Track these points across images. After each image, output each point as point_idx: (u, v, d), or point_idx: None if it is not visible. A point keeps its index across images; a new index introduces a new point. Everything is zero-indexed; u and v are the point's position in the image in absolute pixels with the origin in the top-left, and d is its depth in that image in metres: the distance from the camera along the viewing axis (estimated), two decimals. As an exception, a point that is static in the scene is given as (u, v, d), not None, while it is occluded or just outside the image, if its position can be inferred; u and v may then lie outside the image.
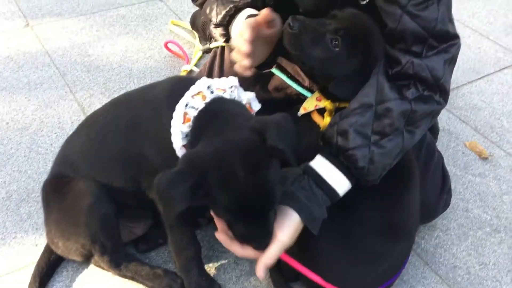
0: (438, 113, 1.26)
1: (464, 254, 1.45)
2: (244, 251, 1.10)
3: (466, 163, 1.73)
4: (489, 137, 1.85)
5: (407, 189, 1.26)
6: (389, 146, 1.14)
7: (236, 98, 1.14)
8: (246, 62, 1.21)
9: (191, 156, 1.01)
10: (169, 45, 2.11)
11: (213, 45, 1.67)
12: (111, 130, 1.20)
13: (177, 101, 1.09)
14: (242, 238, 1.08)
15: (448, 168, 1.65)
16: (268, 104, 1.60)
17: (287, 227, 1.08)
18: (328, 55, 1.19)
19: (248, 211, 1.01)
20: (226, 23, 1.40)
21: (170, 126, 1.08)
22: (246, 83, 1.57)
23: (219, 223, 1.11)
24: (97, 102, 1.86)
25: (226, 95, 1.11)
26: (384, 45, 1.20)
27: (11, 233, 1.41)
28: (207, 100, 1.08)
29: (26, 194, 1.52)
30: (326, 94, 1.28)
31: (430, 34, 1.15)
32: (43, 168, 1.59)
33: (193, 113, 1.06)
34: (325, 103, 1.26)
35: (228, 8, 1.37)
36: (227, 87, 1.12)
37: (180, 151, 1.09)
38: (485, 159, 1.75)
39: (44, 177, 1.54)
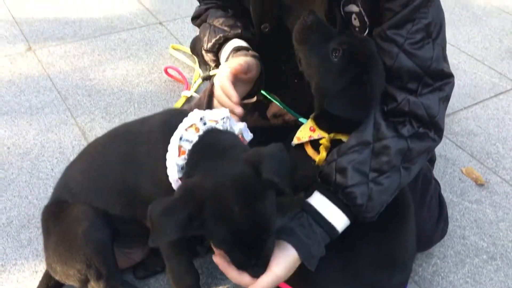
0: (433, 149, 1.28)
1: (462, 281, 1.46)
2: (240, 277, 1.10)
3: (462, 190, 1.75)
4: (485, 163, 1.87)
5: (403, 223, 1.27)
6: (386, 183, 1.16)
7: (228, 129, 1.15)
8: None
9: (188, 186, 1.01)
10: (169, 70, 2.14)
11: (212, 72, 1.70)
12: (109, 161, 1.23)
13: (171, 134, 1.10)
14: (239, 265, 1.09)
15: (445, 195, 1.67)
16: (267, 131, 1.64)
17: (283, 262, 1.09)
18: (324, 62, 1.20)
19: (243, 242, 1.02)
20: (216, 50, 1.45)
21: (165, 159, 1.10)
22: (246, 110, 1.61)
23: (216, 248, 1.13)
24: (98, 126, 1.88)
25: (219, 126, 1.13)
26: (383, 79, 1.22)
27: (11, 260, 1.42)
28: (201, 132, 1.09)
29: (26, 220, 1.53)
30: (319, 122, 1.30)
31: (426, 72, 1.18)
32: (44, 193, 1.61)
33: (187, 146, 1.07)
34: (322, 140, 1.27)
35: (218, 37, 1.43)
36: (219, 118, 1.13)
37: (176, 184, 1.11)
38: (481, 185, 1.77)
39: (45, 202, 1.55)
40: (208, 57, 1.51)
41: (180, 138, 1.08)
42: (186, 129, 1.09)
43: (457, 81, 2.31)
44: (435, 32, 1.18)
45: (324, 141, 1.25)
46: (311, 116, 1.33)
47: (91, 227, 1.19)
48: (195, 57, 2.24)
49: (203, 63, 2.20)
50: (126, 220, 1.23)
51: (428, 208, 1.44)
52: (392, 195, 1.19)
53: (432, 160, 1.63)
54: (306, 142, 1.32)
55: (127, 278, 1.37)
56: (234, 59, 1.33)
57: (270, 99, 1.59)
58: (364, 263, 1.22)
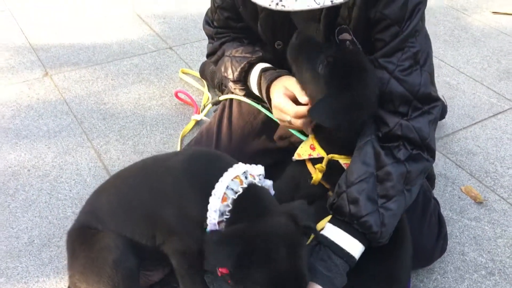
0: (428, 169, 1.36)
1: (461, 296, 1.53)
2: None
3: (462, 208, 1.82)
4: (484, 182, 1.94)
5: (399, 245, 1.36)
6: (395, 207, 1.25)
7: (262, 185, 1.27)
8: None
9: (239, 229, 1.13)
10: (179, 94, 2.24)
11: (222, 97, 1.79)
12: (136, 195, 1.31)
13: (193, 174, 1.24)
14: None
15: (445, 213, 1.75)
16: (274, 152, 1.72)
17: None
18: (311, 73, 1.30)
19: None
20: (243, 79, 1.53)
21: (189, 196, 1.22)
22: (253, 134, 1.70)
23: None
24: (113, 149, 1.97)
25: (256, 181, 1.24)
26: (371, 91, 1.30)
27: (34, 277, 1.50)
28: (244, 185, 1.21)
29: (47, 239, 1.61)
30: (319, 139, 1.38)
31: (415, 96, 1.28)
32: (63, 214, 1.70)
33: (231, 195, 1.19)
34: (318, 165, 1.35)
35: (242, 65, 1.50)
36: (256, 174, 1.25)
37: (213, 226, 1.21)
38: (480, 203, 1.84)
39: (64, 222, 1.65)
40: (237, 87, 1.58)
41: (227, 187, 1.19)
42: (232, 179, 1.20)
43: (456, 101, 2.41)
44: (422, 59, 1.29)
45: (319, 166, 1.35)
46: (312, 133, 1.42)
47: (121, 256, 1.28)
48: (204, 81, 2.34)
49: (212, 86, 2.30)
50: (150, 249, 1.31)
51: (428, 225, 1.51)
52: (399, 218, 1.28)
53: (431, 179, 1.71)
54: (307, 159, 1.40)
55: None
56: (285, 80, 1.41)
57: (276, 122, 1.68)
58: (366, 278, 1.30)
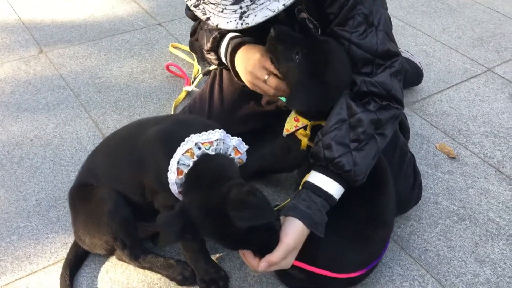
0: (399, 116, 1.50)
1: (434, 239, 1.68)
2: (255, 261, 1.30)
3: (436, 163, 1.98)
4: (457, 139, 2.10)
5: (383, 189, 1.50)
6: (366, 149, 1.39)
7: (222, 149, 1.33)
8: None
9: (182, 207, 1.24)
10: (170, 67, 2.35)
11: (212, 67, 1.91)
12: (124, 156, 1.42)
13: (168, 143, 1.32)
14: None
15: (420, 167, 1.90)
16: (262, 116, 1.85)
17: (292, 233, 1.29)
18: (289, 63, 1.42)
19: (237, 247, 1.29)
20: (215, 48, 1.64)
21: (163, 163, 1.30)
22: (243, 99, 1.82)
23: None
24: (110, 119, 2.09)
25: (213, 148, 1.30)
26: (342, 74, 1.43)
27: (44, 234, 1.63)
28: (195, 158, 1.28)
29: (53, 200, 1.74)
30: (299, 113, 1.53)
31: (375, 55, 1.41)
32: (67, 178, 1.82)
33: (184, 169, 1.28)
34: (301, 131, 1.50)
35: (214, 35, 1.61)
36: (213, 139, 1.31)
37: (178, 195, 1.33)
38: (453, 158, 2.00)
39: (68, 185, 1.76)
40: (211, 56, 1.68)
41: (178, 162, 1.28)
42: (183, 154, 1.28)
43: (432, 67, 2.56)
44: (376, 21, 1.41)
45: (303, 132, 1.49)
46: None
47: (115, 206, 1.40)
48: (193, 54, 2.45)
49: (201, 59, 2.41)
50: (142, 203, 1.43)
51: (404, 175, 1.66)
52: (374, 159, 1.42)
53: (407, 132, 1.85)
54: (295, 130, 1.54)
55: (147, 246, 1.58)
56: (249, 49, 1.52)
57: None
58: (352, 222, 1.45)
